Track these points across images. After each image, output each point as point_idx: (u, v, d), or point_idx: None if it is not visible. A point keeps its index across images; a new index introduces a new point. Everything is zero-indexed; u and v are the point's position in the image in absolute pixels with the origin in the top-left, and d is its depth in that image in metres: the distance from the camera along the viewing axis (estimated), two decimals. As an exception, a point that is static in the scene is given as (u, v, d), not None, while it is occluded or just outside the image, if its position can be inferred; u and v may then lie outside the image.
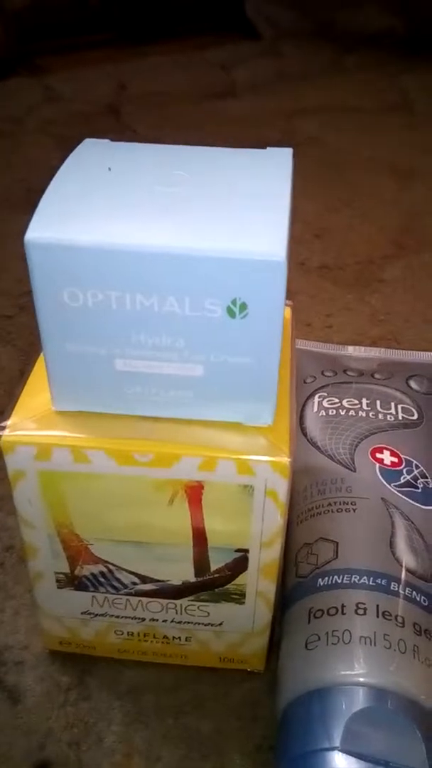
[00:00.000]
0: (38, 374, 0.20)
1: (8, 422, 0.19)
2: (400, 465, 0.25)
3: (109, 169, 0.18)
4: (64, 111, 0.67)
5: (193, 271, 0.16)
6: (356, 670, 0.20)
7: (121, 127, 0.64)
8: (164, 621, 0.23)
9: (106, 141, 0.20)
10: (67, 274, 0.17)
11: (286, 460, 0.19)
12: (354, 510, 0.24)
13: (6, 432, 0.19)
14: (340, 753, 0.18)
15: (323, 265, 0.46)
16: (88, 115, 0.66)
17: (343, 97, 0.71)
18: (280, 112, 0.67)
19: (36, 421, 0.19)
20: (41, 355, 0.21)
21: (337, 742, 0.19)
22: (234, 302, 0.17)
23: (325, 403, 0.28)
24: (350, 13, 0.82)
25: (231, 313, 0.17)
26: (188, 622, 0.23)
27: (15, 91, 0.71)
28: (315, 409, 0.28)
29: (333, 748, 0.18)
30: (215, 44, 0.83)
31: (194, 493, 0.19)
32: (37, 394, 0.20)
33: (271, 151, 0.20)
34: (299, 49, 0.82)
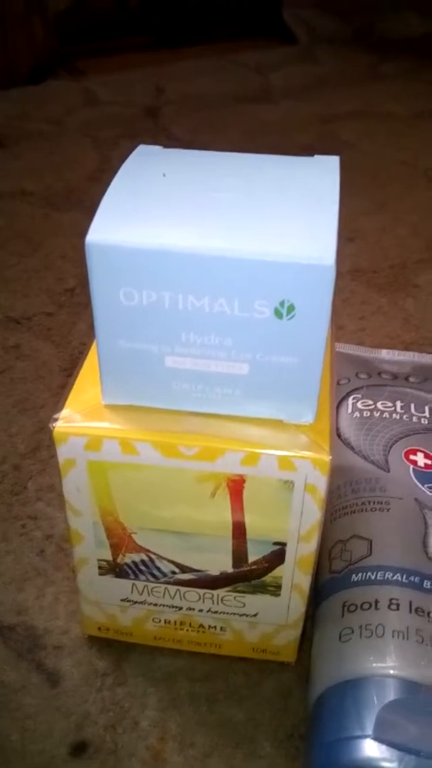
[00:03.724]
0: (88, 369, 0.21)
1: (61, 414, 0.20)
2: (434, 467, 0.26)
3: (164, 174, 0.19)
4: (103, 113, 0.69)
5: (245, 274, 0.17)
6: (388, 663, 0.20)
7: (158, 130, 0.65)
8: (200, 610, 0.24)
9: (159, 147, 0.21)
10: (124, 274, 0.17)
11: (326, 457, 0.19)
12: (388, 510, 0.24)
13: (59, 423, 0.20)
14: (372, 741, 0.19)
15: (356, 269, 0.46)
16: (127, 117, 0.68)
17: (379, 102, 0.71)
18: (315, 117, 0.68)
19: (87, 413, 0.20)
20: (90, 350, 0.22)
21: (369, 731, 0.19)
22: (282, 304, 0.18)
23: (359, 405, 0.29)
24: (388, 19, 0.83)
25: (278, 314, 0.18)
26: (224, 612, 0.23)
27: (55, 93, 0.73)
28: (349, 411, 0.29)
29: (365, 736, 0.19)
30: (252, 48, 0.84)
31: (236, 486, 0.20)
32: (87, 388, 0.21)
33: (319, 159, 0.20)
34: (336, 54, 0.82)
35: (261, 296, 0.17)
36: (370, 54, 0.82)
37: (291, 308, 0.17)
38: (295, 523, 0.21)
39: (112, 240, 0.17)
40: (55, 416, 0.20)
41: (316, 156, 0.21)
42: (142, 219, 0.18)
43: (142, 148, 0.21)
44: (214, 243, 0.17)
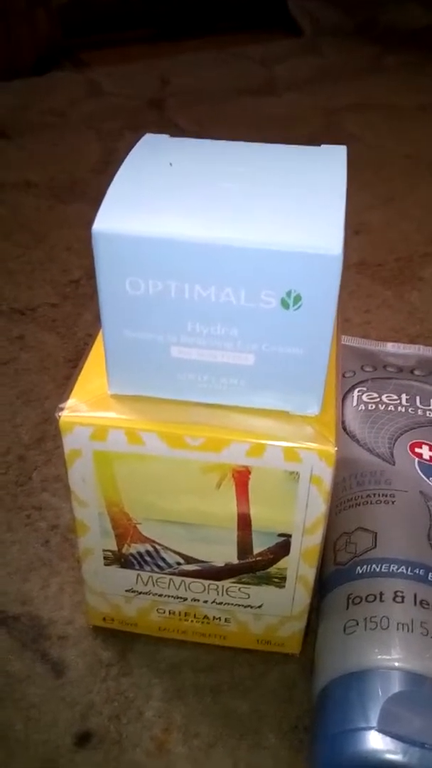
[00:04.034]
0: (94, 359, 0.21)
1: (67, 404, 0.20)
2: (439, 459, 0.26)
3: (170, 164, 0.19)
4: (107, 105, 0.69)
5: (251, 264, 0.17)
6: (393, 655, 0.20)
7: (163, 122, 0.65)
8: (205, 601, 0.24)
9: (165, 136, 0.21)
10: (131, 263, 0.17)
11: (332, 448, 0.19)
12: (393, 502, 0.24)
13: (65, 413, 0.20)
14: (377, 732, 0.19)
15: (362, 262, 0.46)
16: (131, 109, 0.67)
17: (383, 95, 0.71)
18: (319, 109, 0.67)
19: (93, 403, 0.20)
20: (96, 340, 0.22)
21: (373, 723, 0.19)
22: (289, 294, 0.17)
23: (364, 398, 0.29)
24: (393, 10, 0.82)
25: (285, 304, 0.18)
26: (229, 604, 0.23)
27: (59, 85, 0.73)
28: (354, 403, 0.29)
29: (369, 728, 0.19)
30: (256, 40, 0.83)
31: (241, 477, 0.20)
32: (93, 378, 0.21)
33: (326, 148, 0.20)
34: (340, 46, 0.82)
35: (268, 286, 0.17)
36: (374, 46, 0.82)
37: (298, 298, 0.17)
38: (300, 515, 0.21)
39: (118, 229, 0.17)
40: (61, 406, 0.20)
41: (323, 145, 0.20)
42: (148, 208, 0.18)
43: (148, 137, 0.21)
44: (221, 232, 0.17)
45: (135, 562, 0.23)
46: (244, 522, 0.21)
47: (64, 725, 0.24)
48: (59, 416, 0.20)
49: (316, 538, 0.21)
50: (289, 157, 0.20)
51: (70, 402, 0.20)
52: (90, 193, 0.52)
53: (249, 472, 0.20)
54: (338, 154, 0.20)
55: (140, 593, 0.24)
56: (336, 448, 0.19)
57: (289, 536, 0.21)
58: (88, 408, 0.20)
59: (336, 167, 0.19)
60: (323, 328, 0.18)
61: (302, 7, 0.85)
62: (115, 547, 0.22)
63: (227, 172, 0.19)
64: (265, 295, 0.17)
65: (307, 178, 0.19)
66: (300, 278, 0.17)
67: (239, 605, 0.23)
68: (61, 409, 0.20)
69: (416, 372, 0.31)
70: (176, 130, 0.63)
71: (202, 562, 0.22)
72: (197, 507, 0.21)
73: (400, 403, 0.29)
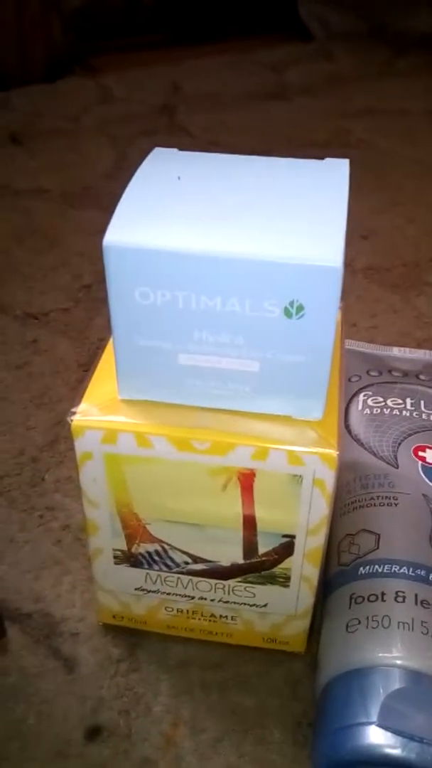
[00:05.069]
0: (105, 364, 0.22)
1: (79, 408, 0.21)
2: (442, 463, 0.27)
3: (179, 178, 0.20)
4: (119, 111, 0.69)
5: (255, 275, 0.18)
6: (394, 653, 0.21)
7: (174, 127, 0.66)
8: (212, 600, 0.24)
9: (174, 150, 0.22)
10: (140, 275, 0.18)
11: (334, 452, 0.20)
12: (396, 504, 0.25)
13: (77, 417, 0.20)
14: (377, 728, 0.20)
15: (369, 267, 0.47)
16: (142, 115, 0.68)
17: (393, 99, 0.71)
18: (330, 114, 0.68)
19: (103, 407, 0.21)
20: (107, 346, 0.23)
21: (374, 718, 0.20)
22: (291, 304, 0.18)
23: (369, 402, 0.30)
24: (403, 14, 0.82)
25: (288, 313, 0.18)
26: (235, 602, 0.24)
27: (72, 91, 0.74)
28: (360, 407, 0.29)
29: (370, 723, 0.20)
30: (268, 45, 0.84)
31: (246, 480, 0.21)
32: (103, 383, 0.21)
33: (329, 162, 0.21)
34: (351, 51, 0.82)
35: (271, 296, 0.18)
36: (385, 50, 0.82)
37: (300, 308, 0.18)
38: (303, 517, 0.21)
39: (128, 242, 0.18)
40: (73, 410, 0.21)
41: (327, 159, 0.21)
42: (157, 221, 0.18)
43: (158, 151, 0.22)
44: (226, 245, 0.18)
45: (144, 561, 0.23)
46: (250, 523, 0.22)
47: (74, 719, 0.24)
48: (71, 420, 0.20)
49: (319, 539, 0.22)
50: (292, 170, 0.21)
51: (82, 406, 0.21)
52: (102, 199, 0.53)
53: (254, 475, 0.21)
54: (341, 168, 0.20)
55: (149, 592, 0.24)
56: (338, 452, 0.20)
57: (293, 537, 0.22)
58: (99, 412, 0.21)
59: (338, 181, 0.20)
60: (325, 336, 0.19)
61: (313, 12, 0.85)
62: (124, 547, 0.23)
63: (233, 186, 0.20)
64: (269, 304, 0.18)
65: (309, 192, 0.19)
66: (302, 289, 0.18)
67: (245, 604, 0.24)
68: (73, 414, 0.21)
69: (422, 376, 0.31)
70: (187, 135, 0.64)
71: (209, 561, 0.23)
72: (204, 508, 0.22)
73: (405, 407, 0.29)
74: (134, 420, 0.20)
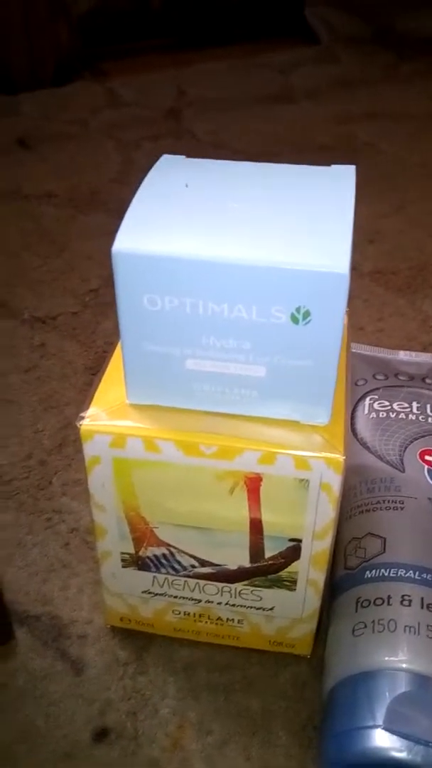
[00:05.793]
0: (113, 369, 0.22)
1: (87, 413, 0.21)
2: (448, 467, 0.27)
3: (186, 185, 0.20)
4: (126, 115, 0.70)
5: (262, 281, 0.18)
6: (400, 657, 0.21)
7: (181, 131, 0.66)
8: (219, 603, 0.24)
9: (182, 157, 0.22)
10: (148, 281, 0.18)
11: (340, 457, 0.20)
12: (402, 508, 0.25)
13: (86, 422, 0.21)
14: (383, 731, 0.20)
15: (376, 270, 0.47)
16: (149, 119, 0.69)
17: (398, 103, 0.71)
18: (336, 118, 0.68)
19: (112, 412, 0.21)
20: (115, 351, 0.23)
21: (380, 721, 0.20)
22: (298, 310, 0.18)
23: (376, 406, 0.30)
24: (409, 19, 0.83)
25: (295, 319, 0.18)
26: (241, 606, 0.24)
27: (79, 95, 0.74)
28: (366, 411, 0.30)
29: (376, 727, 0.20)
30: (274, 49, 0.84)
31: (253, 484, 0.21)
32: (112, 388, 0.22)
33: (336, 168, 0.21)
34: (357, 54, 0.83)
35: (278, 302, 0.18)
36: (391, 54, 0.82)
37: (307, 314, 0.18)
38: (310, 521, 0.21)
39: (136, 249, 0.18)
40: (82, 414, 0.21)
41: (333, 165, 0.21)
42: (165, 229, 0.18)
43: (165, 158, 0.22)
44: (233, 252, 0.18)
45: (151, 564, 0.24)
46: (256, 527, 0.22)
47: (82, 721, 0.25)
48: (80, 425, 0.21)
49: (325, 543, 0.22)
50: (299, 177, 0.21)
51: (91, 411, 0.21)
52: (110, 203, 0.53)
53: (261, 479, 0.21)
54: (347, 175, 0.21)
55: (156, 595, 0.25)
56: (344, 457, 0.20)
57: (300, 541, 0.22)
58: (108, 417, 0.21)
59: (344, 188, 0.20)
60: (331, 342, 0.19)
61: (319, 15, 0.86)
62: (132, 550, 0.23)
63: (240, 193, 0.20)
64: (276, 310, 0.18)
65: (316, 199, 0.20)
66: (309, 295, 0.18)
67: (252, 607, 0.24)
68: (82, 418, 0.21)
69: (428, 380, 0.31)
70: (193, 139, 0.64)
71: (216, 565, 0.23)
72: (211, 512, 0.22)
73: (411, 411, 0.29)
74: (142, 425, 0.21)
